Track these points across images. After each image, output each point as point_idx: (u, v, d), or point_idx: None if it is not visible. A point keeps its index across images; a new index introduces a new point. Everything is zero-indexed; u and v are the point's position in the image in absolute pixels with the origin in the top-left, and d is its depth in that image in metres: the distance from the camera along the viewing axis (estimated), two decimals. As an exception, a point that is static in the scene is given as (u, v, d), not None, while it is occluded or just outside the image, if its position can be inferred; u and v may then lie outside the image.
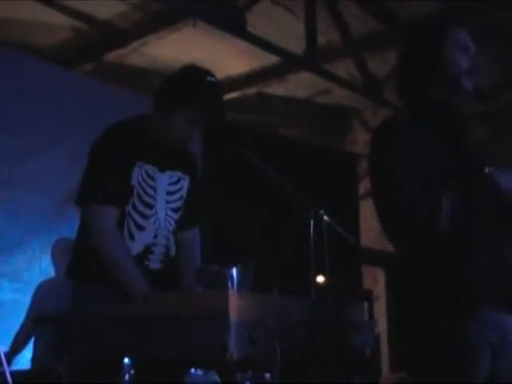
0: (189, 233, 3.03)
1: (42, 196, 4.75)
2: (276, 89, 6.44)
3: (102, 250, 2.64)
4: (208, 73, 2.87)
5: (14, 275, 4.71)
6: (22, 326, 4.56)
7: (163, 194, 2.86)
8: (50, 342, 4.07)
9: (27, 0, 4.97)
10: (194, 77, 2.84)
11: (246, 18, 4.70)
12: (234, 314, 2.01)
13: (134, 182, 2.75)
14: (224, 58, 5.68)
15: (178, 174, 2.92)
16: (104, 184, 2.69)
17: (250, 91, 6.38)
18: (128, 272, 2.62)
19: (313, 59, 5.32)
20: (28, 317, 4.55)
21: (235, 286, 2.42)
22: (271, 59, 5.72)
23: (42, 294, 4.56)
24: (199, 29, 5.17)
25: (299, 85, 6.32)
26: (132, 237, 2.76)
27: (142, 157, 2.76)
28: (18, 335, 4.57)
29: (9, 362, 4.25)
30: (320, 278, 4.51)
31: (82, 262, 2.79)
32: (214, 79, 2.87)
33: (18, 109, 4.79)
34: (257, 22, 5.02)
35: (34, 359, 4.58)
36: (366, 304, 2.77)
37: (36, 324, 4.40)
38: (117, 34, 5.48)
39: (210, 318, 2.02)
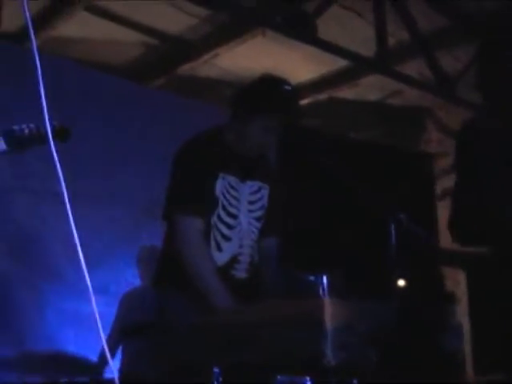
0: (265, 241, 3.05)
1: (123, 210, 4.85)
2: (346, 93, 6.41)
3: (189, 262, 2.69)
4: (284, 81, 2.90)
5: (100, 288, 4.81)
6: (109, 337, 4.66)
7: (245, 203, 2.89)
8: (138, 352, 4.14)
9: (100, 19, 5.12)
10: (270, 86, 2.87)
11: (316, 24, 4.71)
12: (329, 321, 2.02)
13: (218, 193, 2.79)
14: (293, 64, 5.69)
15: (258, 184, 2.95)
16: (190, 196, 2.74)
17: (321, 96, 6.37)
18: (212, 283, 2.66)
19: (384, 61, 5.29)
20: (114, 327, 4.65)
21: (326, 293, 2.43)
22: (340, 63, 5.71)
23: (127, 304, 4.66)
24: (268, 37, 5.20)
25: (370, 87, 6.27)
26: (219, 248, 2.80)
27: (224, 168, 2.80)
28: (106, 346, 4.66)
29: (99, 373, 4.37)
30: (401, 282, 4.47)
31: (168, 272, 2.85)
32: (290, 87, 2.89)
33: (96, 125, 4.90)
34: (325, 27, 5.02)
35: (121, 369, 4.67)
36: (456, 306, 2.74)
37: (123, 334, 4.48)
38: (187, 48, 5.56)
39: (306, 325, 2.03)
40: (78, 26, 5.13)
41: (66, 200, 1.86)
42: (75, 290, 4.61)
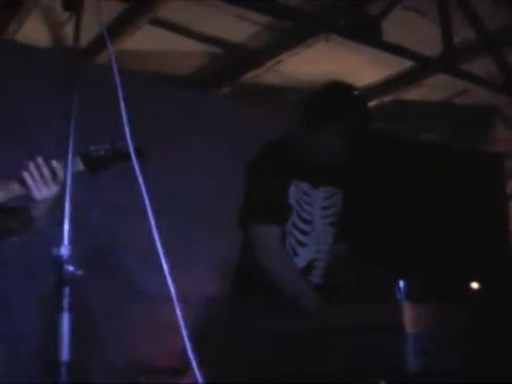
0: (341, 246, 3.06)
1: (195, 222, 4.90)
2: (412, 94, 6.35)
3: (271, 270, 2.71)
4: (352, 87, 2.91)
5: (178, 296, 4.87)
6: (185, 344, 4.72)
7: (319, 209, 2.91)
8: (217, 360, 4.19)
9: (163, 31, 5.19)
10: (341, 91, 2.88)
11: (381, 27, 4.68)
12: (409, 326, 2.01)
13: (291, 201, 2.82)
14: (358, 68, 5.67)
15: (331, 189, 2.97)
16: (265, 204, 2.77)
17: (387, 98, 6.33)
18: (299, 285, 2.68)
19: (449, 61, 5.21)
20: (194, 334, 4.71)
21: (403, 298, 2.42)
22: (405, 64, 5.66)
23: (206, 312, 4.72)
24: (332, 42, 5.19)
25: (436, 88, 6.19)
26: (295, 253, 2.83)
27: (296, 175, 2.83)
28: (184, 352, 4.74)
29: (176, 377, 4.43)
30: (475, 285, 4.41)
31: (246, 281, 2.88)
32: (359, 93, 2.90)
33: (166, 136, 4.96)
34: (389, 28, 4.98)
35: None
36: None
37: (203, 343, 4.53)
38: (251, 56, 5.60)
39: (386, 330, 2.03)
40: (142, 39, 5.22)
41: (150, 215, 1.91)
42: (153, 299, 4.70)
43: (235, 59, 5.67)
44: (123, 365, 4.58)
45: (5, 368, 4.11)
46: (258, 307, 2.77)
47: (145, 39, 5.23)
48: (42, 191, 2.36)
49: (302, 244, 2.85)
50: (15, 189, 2.39)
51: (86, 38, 5.16)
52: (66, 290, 1.83)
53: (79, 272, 1.86)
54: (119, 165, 2.43)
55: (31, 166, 2.35)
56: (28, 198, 2.40)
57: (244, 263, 2.92)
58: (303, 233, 2.86)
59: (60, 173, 2.35)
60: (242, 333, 2.68)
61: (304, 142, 2.90)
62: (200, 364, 4.72)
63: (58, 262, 1.84)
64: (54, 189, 2.36)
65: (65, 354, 1.80)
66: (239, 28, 5.25)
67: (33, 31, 5.00)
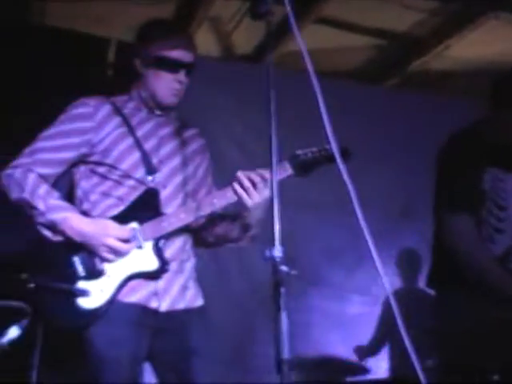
0: None
1: (379, 212, 4.89)
2: None
3: (468, 258, 2.69)
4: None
5: (362, 289, 4.93)
6: (374, 337, 4.74)
7: None
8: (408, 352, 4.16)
9: (328, 29, 5.23)
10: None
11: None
12: None
13: (486, 187, 2.76)
14: (532, 44, 5.42)
15: None
16: (458, 193, 2.74)
17: None
18: (499, 276, 2.63)
19: None
20: (378, 328, 4.73)
21: None
22: None
23: (391, 304, 4.71)
24: (502, 20, 5.00)
25: None
26: (492, 240, 2.77)
27: (489, 161, 2.77)
28: (369, 346, 4.77)
29: (364, 372, 4.45)
30: None
31: (443, 270, 2.85)
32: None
33: (347, 131, 4.99)
34: None
35: (391, 368, 4.73)
36: None
37: (389, 335, 4.54)
38: (417, 44, 5.51)
39: None
40: (308, 39, 5.26)
41: (358, 213, 1.94)
42: (338, 292, 4.76)
43: (401, 49, 5.60)
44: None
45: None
46: (455, 297, 2.75)
47: (310, 38, 5.28)
48: (254, 198, 2.47)
49: (498, 231, 2.80)
50: (228, 196, 2.51)
51: (252, 43, 5.32)
52: (282, 290, 1.90)
53: (294, 272, 1.92)
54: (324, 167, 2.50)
55: (240, 174, 2.47)
56: (241, 205, 2.51)
57: (440, 253, 2.90)
58: (499, 219, 2.80)
59: (268, 179, 2.45)
60: (451, 322, 2.66)
61: (496, 125, 2.83)
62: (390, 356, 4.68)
63: (273, 263, 1.91)
64: (264, 195, 2.46)
65: (285, 351, 1.87)
66: (403, 17, 5.18)
67: (203, 42, 5.20)
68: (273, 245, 1.93)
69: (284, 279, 1.90)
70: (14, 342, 1.95)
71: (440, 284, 2.87)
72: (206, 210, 2.55)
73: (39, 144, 2.61)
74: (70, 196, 2.66)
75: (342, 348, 4.82)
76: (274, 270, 1.90)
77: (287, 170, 2.52)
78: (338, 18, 5.16)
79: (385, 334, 4.80)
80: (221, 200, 2.54)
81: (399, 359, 4.65)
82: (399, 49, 5.59)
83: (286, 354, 1.85)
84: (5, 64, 4.23)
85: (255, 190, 2.46)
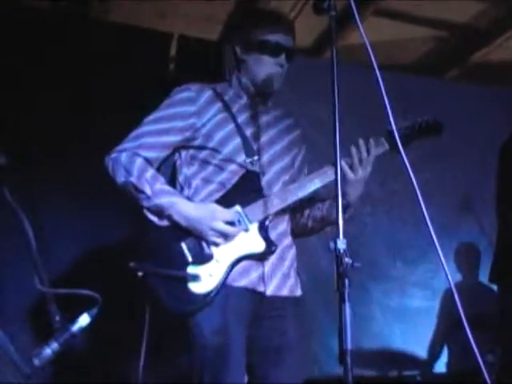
0: None
1: (438, 206, 4.86)
2: None
3: None
4: None
5: (423, 283, 4.93)
6: (436, 332, 4.73)
7: None
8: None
9: (386, 21, 5.20)
10: None
11: None
12: None
13: None
14: None
15: None
16: None
17: None
18: None
19: None
20: (439, 322, 4.71)
21: None
22: None
23: (451, 298, 4.69)
24: None
25: None
26: None
27: None
28: (433, 341, 4.76)
29: (429, 368, 4.44)
30: None
31: (506, 264, 2.83)
32: None
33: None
34: None
35: (449, 363, 4.70)
36: None
37: (450, 329, 4.51)
38: (478, 35, 5.44)
39: None
40: (367, 32, 5.24)
41: (423, 206, 1.96)
42: (399, 286, 4.75)
43: (462, 40, 5.54)
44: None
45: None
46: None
47: (369, 31, 5.25)
48: (358, 172, 2.50)
49: None
50: (329, 173, 2.53)
51: (311, 38, 5.33)
52: (346, 281, 1.93)
53: (357, 264, 1.94)
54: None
55: (353, 148, 2.50)
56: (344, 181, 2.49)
57: (502, 247, 2.87)
58: None
59: (373, 152, 2.51)
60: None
61: None
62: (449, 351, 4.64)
63: (337, 256, 1.94)
64: (368, 169, 2.50)
65: (348, 342, 1.89)
66: (464, 8, 5.12)
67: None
68: (337, 237, 1.96)
69: (348, 271, 1.92)
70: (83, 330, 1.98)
71: (503, 278, 2.85)
72: (308, 189, 2.56)
73: (144, 128, 2.62)
74: (172, 182, 2.67)
75: (401, 341, 4.82)
76: (337, 262, 1.92)
77: (384, 145, 2.55)
78: (396, 9, 5.13)
79: (444, 333, 4.78)
80: (322, 177, 2.54)
81: (459, 353, 4.61)
82: (459, 40, 5.53)
83: (348, 345, 1.87)
84: (71, 61, 4.33)
85: (360, 166, 2.50)
